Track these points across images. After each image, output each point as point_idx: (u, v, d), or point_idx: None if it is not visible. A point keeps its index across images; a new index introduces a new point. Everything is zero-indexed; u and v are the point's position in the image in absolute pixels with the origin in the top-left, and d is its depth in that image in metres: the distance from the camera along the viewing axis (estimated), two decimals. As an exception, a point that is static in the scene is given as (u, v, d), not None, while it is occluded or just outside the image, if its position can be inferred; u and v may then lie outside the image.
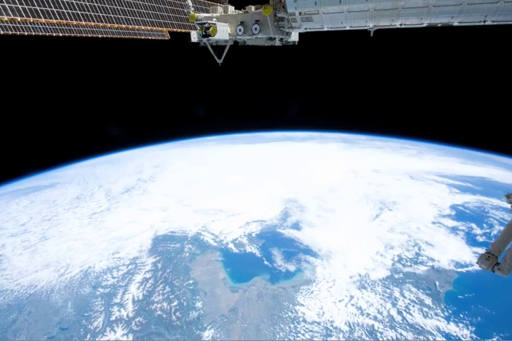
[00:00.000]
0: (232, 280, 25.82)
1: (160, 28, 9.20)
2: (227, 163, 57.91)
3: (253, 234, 31.95)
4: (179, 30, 9.57)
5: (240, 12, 8.50)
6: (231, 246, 30.27)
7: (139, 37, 10.70)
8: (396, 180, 45.99)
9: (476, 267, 27.65)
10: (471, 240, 30.40)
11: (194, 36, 8.87)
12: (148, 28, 8.84)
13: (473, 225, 33.17)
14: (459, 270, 26.23)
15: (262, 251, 29.12)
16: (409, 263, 26.96)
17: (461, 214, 35.69)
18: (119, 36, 10.17)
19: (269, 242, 30.42)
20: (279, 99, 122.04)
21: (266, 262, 27.60)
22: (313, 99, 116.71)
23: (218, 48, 9.25)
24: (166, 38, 11.56)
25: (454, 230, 32.20)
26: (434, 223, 33.45)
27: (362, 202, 38.36)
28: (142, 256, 29.82)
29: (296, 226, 33.11)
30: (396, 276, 25.50)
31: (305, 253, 28.58)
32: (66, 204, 45.60)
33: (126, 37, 10.40)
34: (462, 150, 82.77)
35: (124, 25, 8.15)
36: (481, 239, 30.72)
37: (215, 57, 9.25)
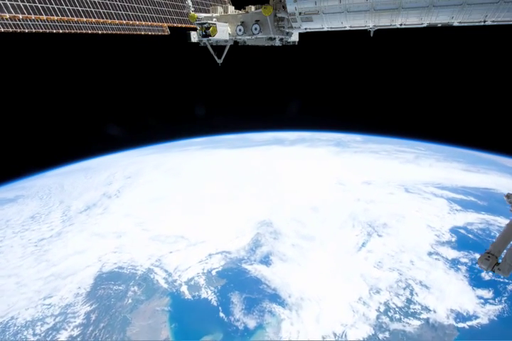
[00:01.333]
0: (175, 341, 20.69)
1: (160, 24, 8.98)
2: (204, 172, 52.49)
3: (213, 272, 26.72)
4: (179, 25, 9.36)
5: (240, 12, 8.44)
6: (184, 289, 25.07)
7: (138, 32, 10.25)
8: (389, 195, 40.52)
9: (482, 321, 22.35)
10: (476, 279, 25.08)
11: (194, 36, 8.63)
12: (149, 23, 8.68)
13: (478, 256, 27.77)
14: (460, 325, 20.97)
15: (220, 297, 23.91)
16: (398, 316, 21.69)
17: (463, 240, 30.31)
18: (119, 32, 9.79)
19: (231, 284, 25.20)
20: (276, 98, 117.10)
21: (222, 314, 22.41)
22: (310, 98, 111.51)
23: (218, 48, 9.12)
24: (166, 33, 11.04)
25: (454, 264, 26.86)
26: (430, 254, 28.10)
27: (347, 225, 32.98)
28: (77, 303, 24.70)
29: (265, 260, 27.82)
30: (380, 336, 20.27)
31: (271, 300, 23.36)
32: (18, 225, 40.48)
33: (126, 33, 9.98)
34: (464, 152, 77.21)
35: (124, 21, 8.04)
36: (487, 277, 25.39)
37: (215, 57, 9.09)
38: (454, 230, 31.96)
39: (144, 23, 8.52)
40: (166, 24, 9.19)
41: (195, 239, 31.67)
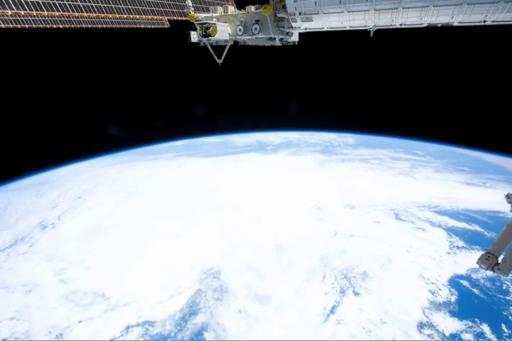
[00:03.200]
0: None
1: (160, 17, 8.92)
2: (163, 192, 45.11)
3: (123, 360, 19.61)
4: (179, 18, 9.33)
5: (240, 12, 8.45)
6: None
7: (138, 26, 10.10)
8: (374, 225, 33.04)
9: None
10: (484, 374, 17.83)
11: (194, 36, 8.51)
12: (149, 17, 8.68)
13: (486, 328, 20.52)
14: None
15: None
16: None
17: (466, 299, 22.99)
18: (118, 26, 9.61)
19: (140, 384, 18.08)
20: (273, 98, 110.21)
21: None
22: (308, 97, 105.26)
23: (218, 48, 9.13)
24: (166, 26, 10.74)
25: (454, 344, 19.58)
26: (421, 326, 20.78)
27: (316, 276, 25.65)
28: None
29: (197, 339, 20.61)
30: None
31: None
32: None
33: (126, 26, 9.78)
34: (468, 154, 69.72)
35: (124, 15, 8.00)
36: (500, 369, 18.12)
37: (215, 57, 9.06)
38: (454, 282, 24.60)
39: (144, 16, 8.42)
40: (166, 17, 9.03)
41: (118, 299, 24.46)
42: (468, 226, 32.67)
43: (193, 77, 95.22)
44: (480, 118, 76.25)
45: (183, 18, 9.31)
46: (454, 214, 35.13)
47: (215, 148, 73.95)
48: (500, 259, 5.24)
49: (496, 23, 4.91)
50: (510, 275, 5.12)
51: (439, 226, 32.75)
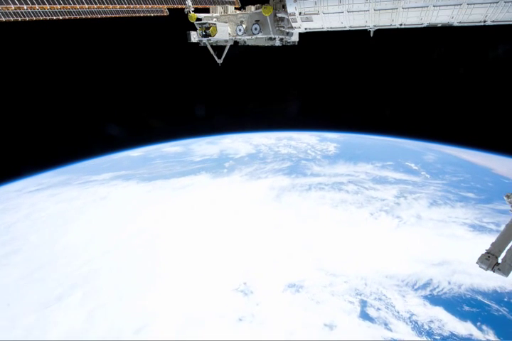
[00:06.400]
0: None
1: (160, 6, 9.13)
2: (49, 253, 32.56)
3: None
4: (179, 6, 9.31)
5: (240, 12, 8.39)
6: None
7: (138, 14, 10.28)
8: (324, 333, 20.40)
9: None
10: None
11: (194, 36, 8.58)
12: (149, 6, 8.88)
13: None
14: None
15: None
16: None
17: None
18: (118, 15, 9.70)
19: None
20: (263, 97, 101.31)
21: None
22: (305, 96, 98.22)
23: (218, 48, 9.20)
24: (165, 14, 10.68)
25: None
26: None
27: None
28: None
29: None
30: None
31: None
32: None
33: (126, 15, 9.95)
34: (474, 163, 56.90)
35: (125, 6, 8.20)
36: None
37: (215, 57, 9.12)
38: None
39: (144, 6, 8.57)
40: (165, 6, 9.13)
41: None
42: (477, 334, 20.02)
43: (182, 75, 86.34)
44: (485, 117, 64.73)
45: (183, 6, 8.75)
46: (455, 303, 22.39)
47: (164, 165, 60.92)
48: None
49: (496, 23, 4.93)
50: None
51: (430, 334, 20.08)
